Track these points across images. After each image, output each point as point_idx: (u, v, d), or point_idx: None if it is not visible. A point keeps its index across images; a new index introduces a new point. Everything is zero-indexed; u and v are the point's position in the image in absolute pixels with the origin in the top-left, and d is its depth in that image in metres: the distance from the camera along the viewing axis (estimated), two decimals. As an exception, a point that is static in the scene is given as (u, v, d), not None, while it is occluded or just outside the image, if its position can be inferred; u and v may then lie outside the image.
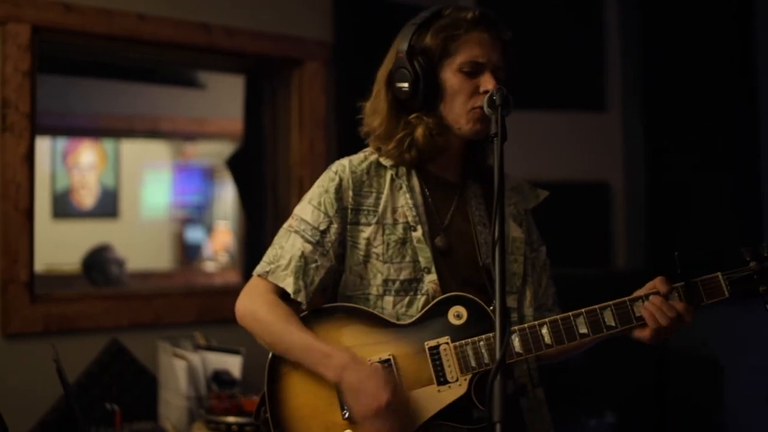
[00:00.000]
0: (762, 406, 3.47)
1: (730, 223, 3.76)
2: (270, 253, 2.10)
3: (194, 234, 7.99)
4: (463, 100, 2.05)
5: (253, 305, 2.07)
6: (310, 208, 2.09)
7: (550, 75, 4.29)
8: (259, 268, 2.10)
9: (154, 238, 7.84)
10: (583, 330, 1.98)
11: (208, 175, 7.92)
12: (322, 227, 2.06)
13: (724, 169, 3.82)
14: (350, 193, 2.08)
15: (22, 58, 3.21)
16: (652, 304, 1.96)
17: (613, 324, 1.98)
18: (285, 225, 2.13)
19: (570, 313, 1.99)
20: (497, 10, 4.21)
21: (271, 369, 2.05)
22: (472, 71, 2.05)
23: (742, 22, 3.77)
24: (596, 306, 1.99)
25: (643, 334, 1.98)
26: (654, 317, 1.95)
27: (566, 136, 4.34)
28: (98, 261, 6.05)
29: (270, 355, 2.06)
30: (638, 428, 3.73)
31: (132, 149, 7.75)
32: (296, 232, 2.08)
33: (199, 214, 8.02)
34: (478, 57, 2.06)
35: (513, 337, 1.97)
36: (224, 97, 5.28)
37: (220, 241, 7.86)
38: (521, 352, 1.98)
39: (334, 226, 2.07)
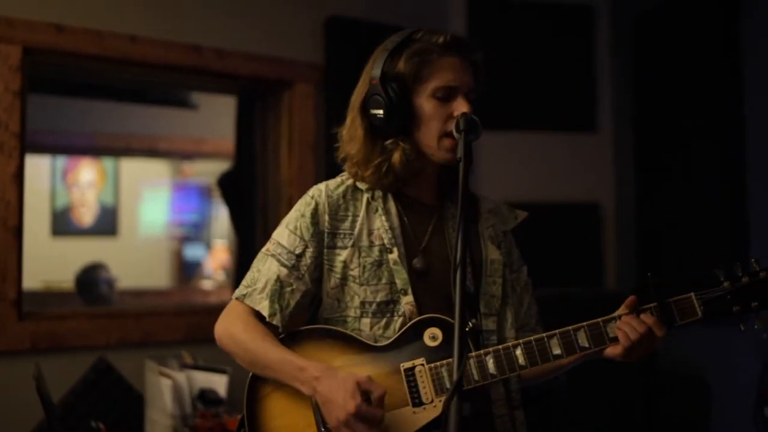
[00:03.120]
0: (748, 425, 3.46)
1: (720, 244, 3.77)
2: (248, 277, 2.13)
3: (193, 252, 8.02)
4: (437, 125, 2.06)
5: (230, 326, 2.10)
6: (287, 233, 2.12)
7: (541, 96, 4.32)
8: (238, 292, 2.13)
9: (153, 256, 7.89)
10: (557, 351, 1.98)
11: (206, 194, 7.96)
12: (297, 251, 2.09)
13: (714, 190, 3.82)
14: (326, 217, 2.11)
15: (13, 78, 3.25)
16: (624, 322, 1.97)
17: (586, 345, 1.98)
18: (263, 249, 2.16)
19: (544, 335, 1.99)
20: (488, 32, 4.29)
21: (250, 392, 2.08)
22: (446, 96, 2.07)
23: (731, 45, 3.79)
24: (570, 327, 1.99)
25: (615, 351, 1.98)
26: (626, 334, 1.95)
27: (557, 157, 4.37)
28: (88, 280, 6.07)
29: (249, 378, 2.09)
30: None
31: (131, 167, 7.81)
32: (273, 255, 2.11)
33: (197, 233, 8.06)
34: (450, 82, 2.07)
35: (487, 358, 1.98)
36: (220, 117, 5.33)
37: (218, 260, 7.88)
38: (495, 373, 1.98)
39: (310, 250, 2.10)
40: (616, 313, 2.01)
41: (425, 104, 2.07)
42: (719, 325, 3.70)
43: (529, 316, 2.24)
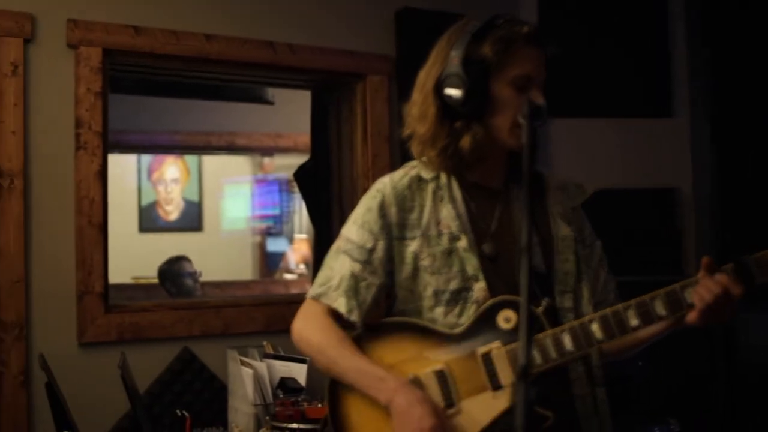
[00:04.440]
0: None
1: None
2: (321, 275, 2.14)
3: (276, 246, 8.13)
4: (511, 113, 2.04)
5: (307, 330, 2.12)
6: (356, 228, 2.13)
7: (617, 83, 4.28)
8: (312, 291, 2.14)
9: (237, 251, 8.02)
10: (634, 322, 1.93)
11: (286, 188, 8.06)
12: (368, 245, 2.09)
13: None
14: (394, 209, 2.11)
15: (94, 79, 3.36)
16: (699, 284, 1.90)
17: (664, 313, 1.92)
18: (334, 246, 2.17)
19: (620, 306, 1.95)
20: (560, 18, 4.25)
21: (332, 390, 2.10)
22: (522, 86, 2.05)
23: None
24: (647, 296, 1.94)
25: (690, 316, 1.92)
26: (701, 297, 1.88)
27: (635, 143, 4.33)
28: (172, 273, 6.21)
29: (330, 379, 2.10)
30: (704, 436, 3.69)
31: (214, 164, 7.96)
32: (344, 252, 2.11)
33: (279, 227, 8.17)
34: (530, 72, 2.06)
35: (563, 335, 1.96)
36: (296, 112, 5.41)
37: (300, 253, 7.98)
38: (573, 350, 1.96)
39: (381, 243, 2.10)
40: (694, 278, 1.93)
41: (503, 91, 2.05)
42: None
43: (607, 292, 2.21)
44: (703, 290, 1.89)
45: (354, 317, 2.07)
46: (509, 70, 2.05)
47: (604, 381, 2.14)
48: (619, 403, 3.19)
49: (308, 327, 2.11)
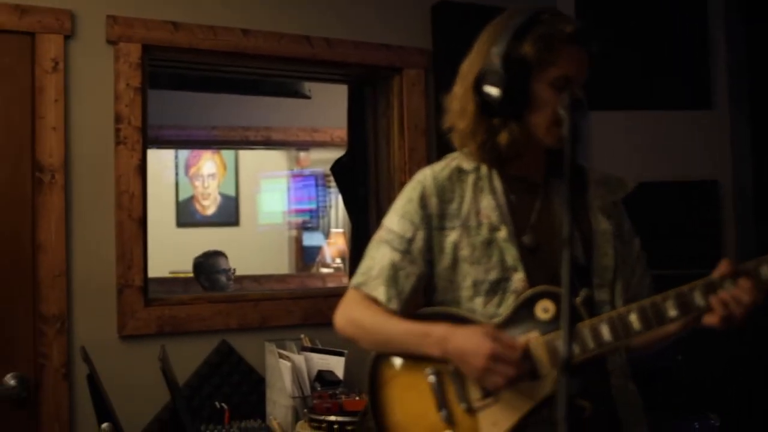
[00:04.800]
0: None
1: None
2: (363, 265, 2.18)
3: (312, 240, 8.16)
4: (549, 112, 2.04)
5: (349, 312, 2.16)
6: (396, 218, 2.16)
7: (656, 75, 4.24)
8: (354, 281, 2.18)
9: (274, 245, 8.06)
10: (673, 312, 1.90)
11: (322, 183, 8.09)
12: (408, 235, 2.13)
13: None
14: (434, 199, 2.13)
15: (134, 75, 3.39)
16: (726, 294, 1.87)
17: (702, 303, 1.88)
18: (375, 236, 2.20)
19: (658, 297, 1.93)
20: (598, 10, 4.22)
21: (372, 381, 2.13)
22: (562, 86, 2.04)
23: None
24: (685, 287, 1.91)
25: (711, 320, 1.89)
26: (723, 305, 1.86)
27: (674, 135, 4.28)
28: (207, 267, 6.25)
29: (368, 368, 2.14)
30: (744, 431, 3.65)
31: (250, 159, 8.00)
32: (385, 242, 2.15)
33: (315, 221, 8.19)
34: (571, 72, 2.05)
35: (601, 325, 1.94)
36: (333, 106, 5.43)
37: (336, 247, 8.00)
38: (611, 340, 1.94)
39: (420, 234, 2.12)
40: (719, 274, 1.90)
41: (543, 91, 2.05)
42: None
43: (642, 287, 2.20)
44: (727, 299, 1.86)
45: (393, 306, 2.10)
46: (550, 70, 2.04)
47: (632, 375, 2.15)
48: (658, 398, 3.18)
49: (351, 309, 2.16)
